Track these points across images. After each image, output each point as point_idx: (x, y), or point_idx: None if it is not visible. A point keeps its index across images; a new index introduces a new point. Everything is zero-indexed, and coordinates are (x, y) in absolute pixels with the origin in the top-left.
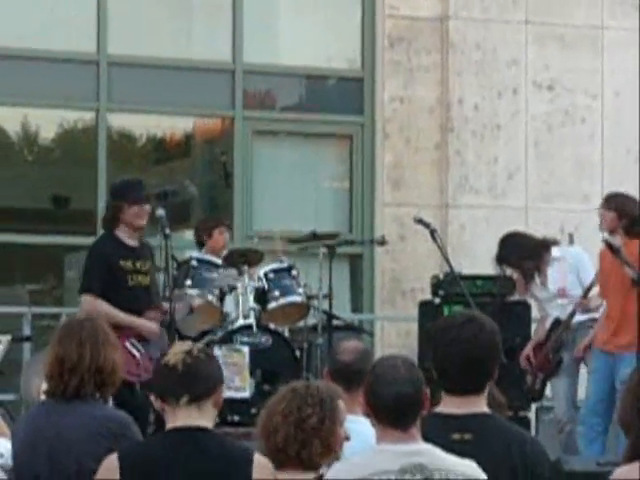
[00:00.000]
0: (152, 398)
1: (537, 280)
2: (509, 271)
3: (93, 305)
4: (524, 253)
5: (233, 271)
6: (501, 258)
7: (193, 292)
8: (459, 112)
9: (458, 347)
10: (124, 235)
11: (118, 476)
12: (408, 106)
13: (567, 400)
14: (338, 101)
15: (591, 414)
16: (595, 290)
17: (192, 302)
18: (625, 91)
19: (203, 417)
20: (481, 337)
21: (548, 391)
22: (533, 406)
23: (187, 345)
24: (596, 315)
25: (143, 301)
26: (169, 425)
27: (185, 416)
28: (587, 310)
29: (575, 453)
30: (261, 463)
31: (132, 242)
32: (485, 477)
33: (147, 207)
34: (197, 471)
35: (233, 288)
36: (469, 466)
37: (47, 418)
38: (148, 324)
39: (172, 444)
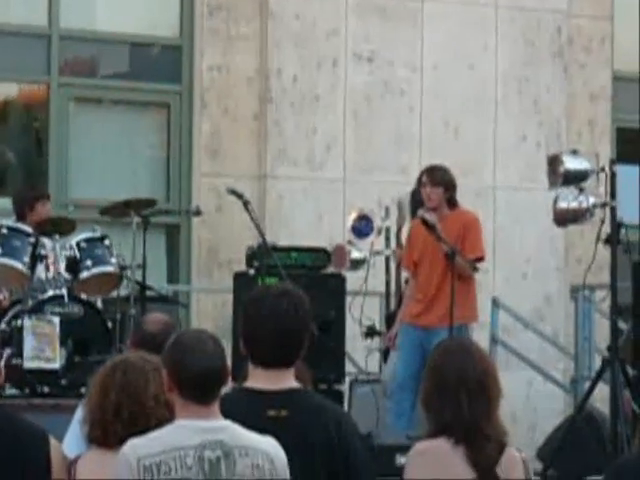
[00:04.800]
0: None
1: None
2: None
3: None
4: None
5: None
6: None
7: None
8: (278, 83)
9: (275, 320)
10: None
11: None
12: (227, 75)
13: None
14: (156, 69)
15: (400, 389)
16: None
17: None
18: (443, 64)
19: None
20: (298, 310)
21: (365, 365)
22: (347, 379)
23: None
24: None
25: None
26: None
27: None
28: None
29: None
30: (55, 445)
31: None
32: (284, 455)
33: None
34: None
35: (44, 257)
36: (270, 444)
37: None
38: None
39: None
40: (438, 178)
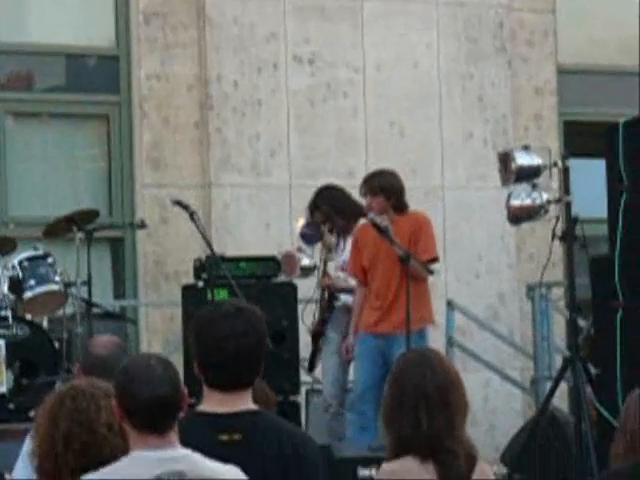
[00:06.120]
0: None
1: (341, 245)
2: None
3: None
4: (338, 208)
5: None
6: (314, 205)
7: None
8: (218, 89)
9: (235, 342)
10: None
11: None
12: (165, 84)
13: (334, 380)
14: (94, 80)
15: (360, 401)
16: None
17: None
18: (386, 64)
19: None
20: (256, 328)
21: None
22: (303, 389)
23: None
24: None
25: None
26: None
27: None
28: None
29: (341, 437)
30: None
31: None
32: None
33: None
34: None
35: None
36: (231, 472)
37: None
38: None
39: None
40: (376, 187)
